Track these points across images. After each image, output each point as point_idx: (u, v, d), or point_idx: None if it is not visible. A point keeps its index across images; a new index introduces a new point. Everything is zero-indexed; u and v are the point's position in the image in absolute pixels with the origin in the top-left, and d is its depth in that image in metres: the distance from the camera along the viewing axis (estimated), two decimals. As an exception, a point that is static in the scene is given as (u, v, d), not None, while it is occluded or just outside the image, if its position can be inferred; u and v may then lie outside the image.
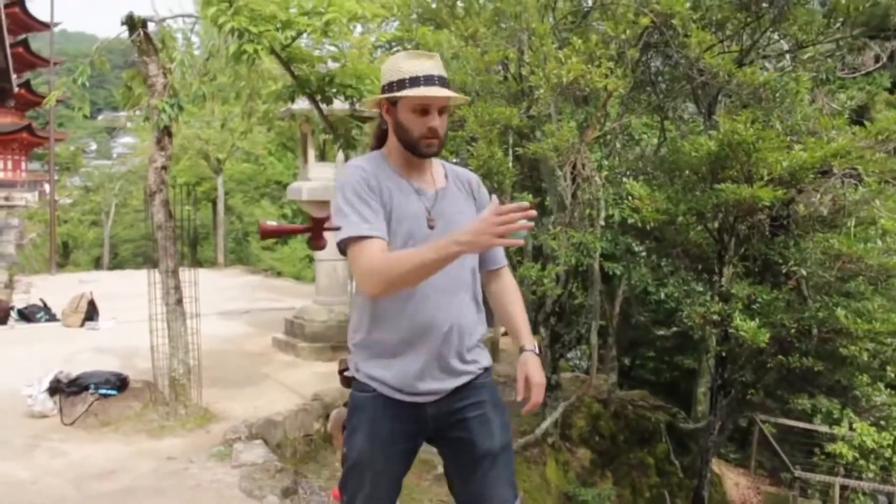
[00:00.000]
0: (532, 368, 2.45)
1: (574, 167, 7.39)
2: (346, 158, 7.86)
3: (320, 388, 7.40)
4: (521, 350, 2.49)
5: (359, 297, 2.45)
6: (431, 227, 2.34)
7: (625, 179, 8.05)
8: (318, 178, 8.87)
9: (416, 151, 2.35)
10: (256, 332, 10.01)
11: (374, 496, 2.42)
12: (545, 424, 8.20)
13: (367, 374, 2.38)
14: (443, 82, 2.34)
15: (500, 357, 10.46)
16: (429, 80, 2.31)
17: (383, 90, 2.37)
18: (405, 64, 2.33)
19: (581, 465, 8.58)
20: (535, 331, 10.98)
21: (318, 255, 9.09)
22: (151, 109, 6.14)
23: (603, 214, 7.73)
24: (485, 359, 2.50)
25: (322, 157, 9.19)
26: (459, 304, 2.39)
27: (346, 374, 2.54)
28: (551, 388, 8.57)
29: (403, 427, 2.37)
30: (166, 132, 6.25)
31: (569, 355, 14.26)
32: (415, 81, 2.31)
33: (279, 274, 18.47)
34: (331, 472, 6.51)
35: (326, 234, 2.44)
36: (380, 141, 2.47)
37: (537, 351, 2.50)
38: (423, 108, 2.32)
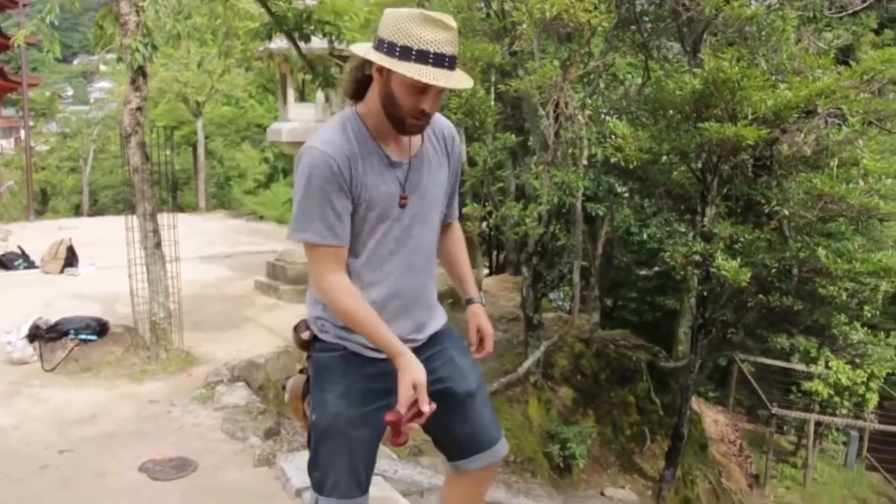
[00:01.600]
0: (483, 319, 2.47)
1: (557, 106, 7.30)
2: (327, 98, 7.74)
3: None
4: (470, 302, 2.48)
5: None
6: (403, 206, 2.21)
7: (608, 118, 7.96)
8: (298, 119, 8.74)
9: (399, 128, 2.12)
10: (238, 276, 9.96)
11: (352, 469, 2.28)
12: (527, 364, 8.25)
13: (337, 334, 2.25)
14: (453, 63, 2.03)
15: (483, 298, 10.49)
16: (439, 60, 1.99)
17: (381, 46, 2.02)
18: (417, 29, 1.98)
19: (563, 404, 8.66)
20: (517, 271, 11.02)
21: (299, 197, 8.99)
22: (124, 49, 5.98)
23: (586, 154, 7.66)
24: (442, 310, 2.47)
25: (302, 97, 9.04)
26: (431, 266, 2.37)
27: (304, 336, 2.38)
28: (533, 327, 8.62)
29: (377, 385, 2.23)
30: (140, 73, 6.11)
31: (551, 296, 14.33)
32: (423, 56, 1.98)
33: (262, 218, 18.32)
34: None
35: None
36: (357, 90, 2.19)
37: (483, 301, 2.49)
38: (422, 88, 2.01)
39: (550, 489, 7.25)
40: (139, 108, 6.19)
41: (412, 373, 2.06)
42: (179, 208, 20.26)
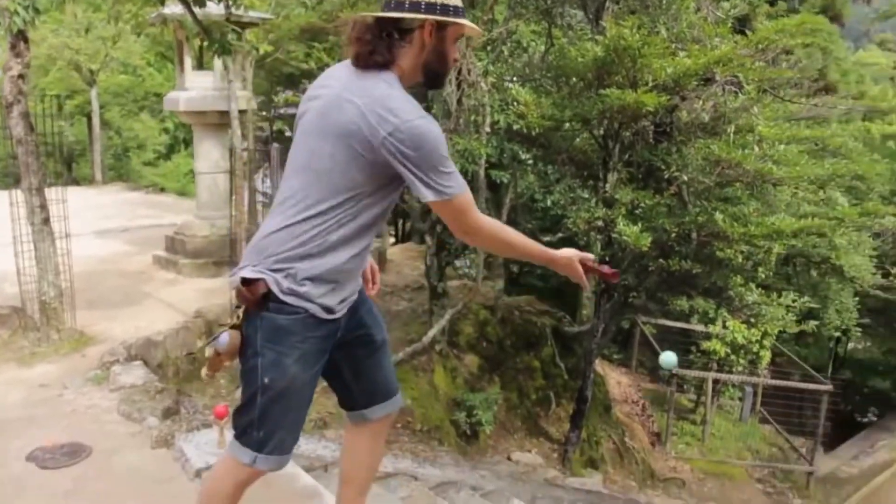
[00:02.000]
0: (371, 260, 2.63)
1: (459, 73, 7.22)
2: (225, 66, 7.47)
3: (203, 304, 7.19)
4: None
5: (315, 221, 2.23)
6: None
7: (511, 86, 7.92)
8: (195, 88, 8.41)
9: (437, 83, 2.34)
10: (136, 251, 9.59)
11: (296, 425, 2.38)
12: (432, 332, 8.22)
13: (308, 294, 2.23)
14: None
15: (388, 267, 10.41)
16: (463, 11, 2.23)
17: (433, 9, 2.16)
18: None
19: (469, 371, 8.68)
20: (421, 240, 10.96)
21: (199, 167, 8.71)
22: (2, 12, 5.61)
23: (489, 121, 7.61)
24: None
25: (200, 65, 8.69)
26: None
27: (262, 291, 2.26)
28: (438, 296, 8.59)
29: (325, 346, 2.34)
30: (21, 37, 5.75)
31: (457, 263, 14.34)
32: (461, 11, 2.21)
33: (162, 190, 17.71)
34: (216, 390, 6.38)
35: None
36: (380, 57, 2.19)
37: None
38: (458, 39, 2.27)
39: (458, 456, 7.27)
40: (21, 76, 5.83)
41: (574, 255, 2.48)
42: (75, 181, 19.47)
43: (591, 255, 2.52)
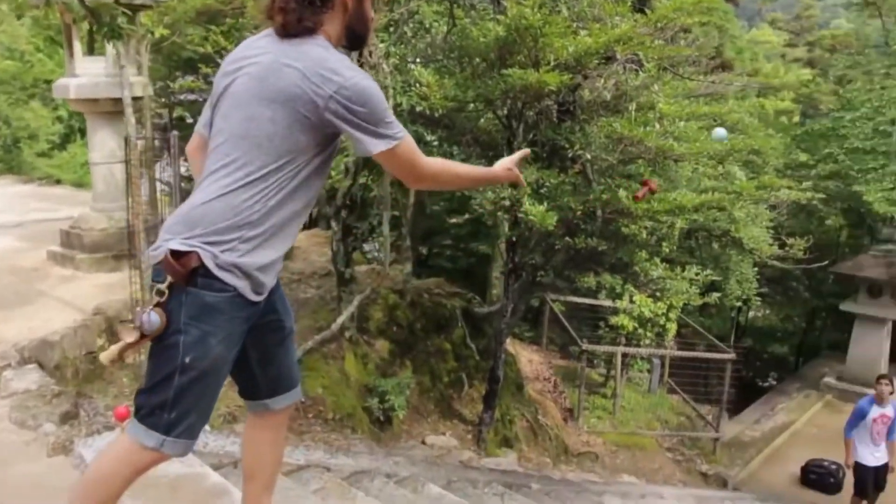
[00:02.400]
0: None
1: (361, 54, 7.07)
2: (117, 51, 7.13)
3: (102, 300, 6.87)
4: None
5: (256, 188, 2.18)
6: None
7: (413, 67, 7.82)
8: (87, 74, 7.99)
9: (361, 43, 2.43)
10: (29, 246, 9.11)
11: (208, 410, 2.31)
12: (341, 319, 8.09)
13: (244, 267, 2.17)
14: None
15: (295, 254, 10.20)
16: None
17: None
18: None
19: (380, 357, 8.59)
20: (327, 225, 10.78)
21: (93, 158, 8.31)
22: None
23: (391, 103, 7.48)
24: None
25: (91, 50, 8.28)
26: None
27: (193, 265, 2.13)
28: (346, 282, 8.45)
29: (245, 329, 2.29)
30: None
31: (366, 247, 14.22)
32: None
33: (58, 182, 16.94)
34: (118, 390, 6.11)
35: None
36: (313, 23, 2.23)
37: None
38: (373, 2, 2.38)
39: (372, 444, 7.18)
40: None
41: (508, 162, 2.61)
42: (-40, 175, 18.48)
43: (523, 152, 2.72)
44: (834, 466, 11.31)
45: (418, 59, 8.38)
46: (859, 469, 9.05)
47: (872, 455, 8.86)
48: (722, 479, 11.30)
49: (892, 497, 9.75)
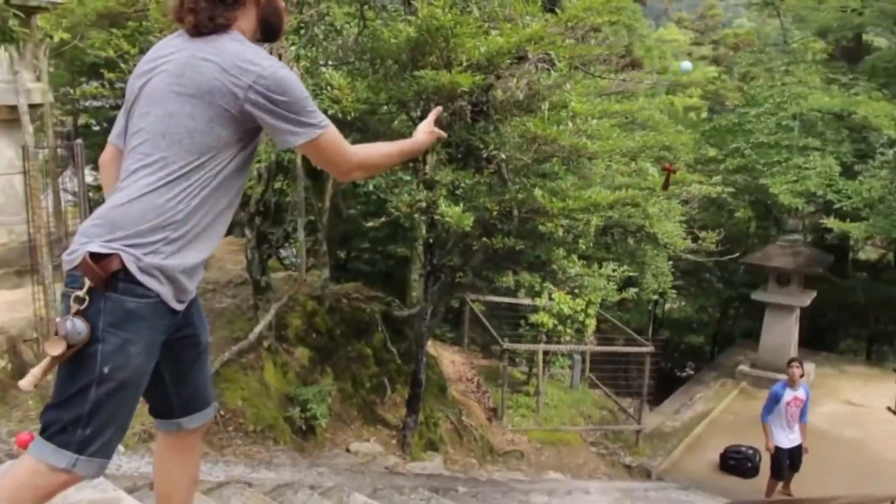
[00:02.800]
0: None
1: (269, 57, 6.92)
2: (10, 57, 6.82)
3: (4, 319, 6.56)
4: None
5: (179, 187, 2.10)
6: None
7: (324, 70, 7.69)
8: (-19, 80, 7.64)
9: (276, 35, 2.43)
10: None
11: (125, 425, 2.17)
12: (259, 328, 7.91)
13: (168, 272, 2.08)
14: None
15: (209, 263, 9.95)
16: None
17: None
18: None
19: (300, 365, 8.44)
20: (241, 232, 10.55)
21: (-10, 167, 7.95)
22: None
23: (303, 107, 7.34)
24: None
25: (-16, 54, 7.89)
26: None
27: (115, 267, 2.00)
28: (262, 290, 8.28)
29: (164, 339, 2.19)
30: None
31: (283, 253, 14.00)
32: None
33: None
34: (23, 414, 5.83)
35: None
36: (226, 20, 2.20)
37: None
38: None
39: (295, 454, 7.04)
40: None
41: (425, 126, 2.65)
42: None
43: (437, 110, 2.83)
44: (751, 451, 11.61)
45: (329, 62, 8.25)
46: (776, 452, 9.40)
47: (787, 437, 9.27)
48: (645, 470, 11.47)
49: (805, 476, 10.18)
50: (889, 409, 14.40)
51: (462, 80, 6.76)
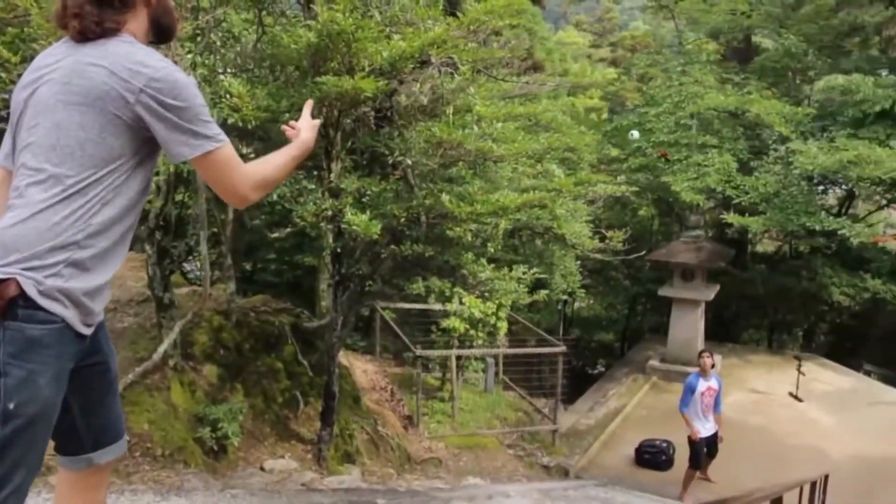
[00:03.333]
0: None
1: (164, 65, 6.65)
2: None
3: None
4: None
5: (75, 203, 1.94)
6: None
7: (223, 77, 7.46)
8: None
9: (169, 36, 2.33)
10: None
11: (38, 463, 2.00)
12: (163, 347, 7.60)
13: (69, 293, 1.92)
14: None
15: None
16: None
17: None
18: None
19: (208, 383, 8.15)
20: (141, 248, 10.18)
21: None
22: None
23: (202, 117, 7.10)
24: None
25: None
26: None
27: (11, 293, 1.81)
28: (165, 307, 7.96)
29: (71, 367, 2.04)
30: None
31: (188, 268, 13.60)
32: None
33: None
34: None
35: None
36: (114, 24, 2.07)
37: None
38: None
39: (207, 476, 6.77)
40: None
41: (304, 125, 2.51)
42: None
43: (309, 104, 2.74)
44: (664, 445, 11.85)
45: (228, 70, 8.01)
46: (693, 441, 9.82)
47: (703, 427, 9.76)
48: (563, 469, 11.55)
49: (716, 463, 10.60)
50: (791, 394, 14.92)
51: (365, 86, 6.65)
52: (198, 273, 16.25)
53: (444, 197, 7.66)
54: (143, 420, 7.01)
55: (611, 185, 10.46)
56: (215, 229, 9.63)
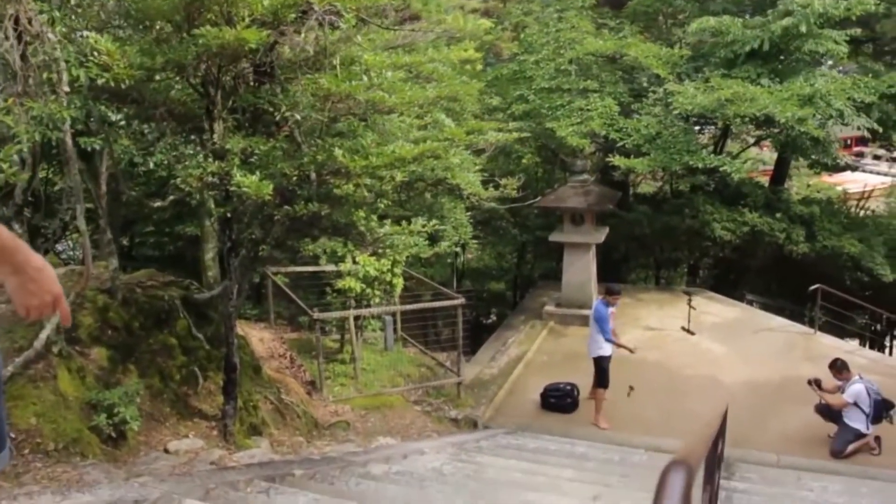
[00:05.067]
0: None
1: (17, 22, 6.02)
2: None
3: None
4: None
5: None
6: None
7: (87, 34, 6.84)
8: None
9: None
10: None
11: None
12: (45, 333, 7.03)
13: None
14: None
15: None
16: None
17: None
18: None
19: (99, 367, 7.63)
20: (8, 227, 9.42)
21: None
22: None
23: (66, 78, 6.50)
24: None
25: None
26: None
27: None
28: (45, 291, 7.36)
29: None
30: None
31: (59, 247, 12.81)
32: None
33: None
34: None
35: None
36: None
37: None
38: None
39: (108, 467, 6.31)
40: None
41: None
42: None
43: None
44: (569, 387, 12.00)
45: (90, 26, 7.36)
46: (602, 361, 11.16)
47: (611, 346, 11.15)
48: (472, 421, 11.52)
49: (618, 400, 11.24)
50: (683, 328, 15.35)
51: (249, 36, 6.22)
52: (70, 253, 15.36)
53: (338, 151, 7.34)
54: (29, 414, 6.48)
55: (503, 132, 10.33)
56: (91, 204, 8.99)
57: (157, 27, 7.17)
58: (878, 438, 10.57)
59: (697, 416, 11.15)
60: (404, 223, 9.45)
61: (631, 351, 11.40)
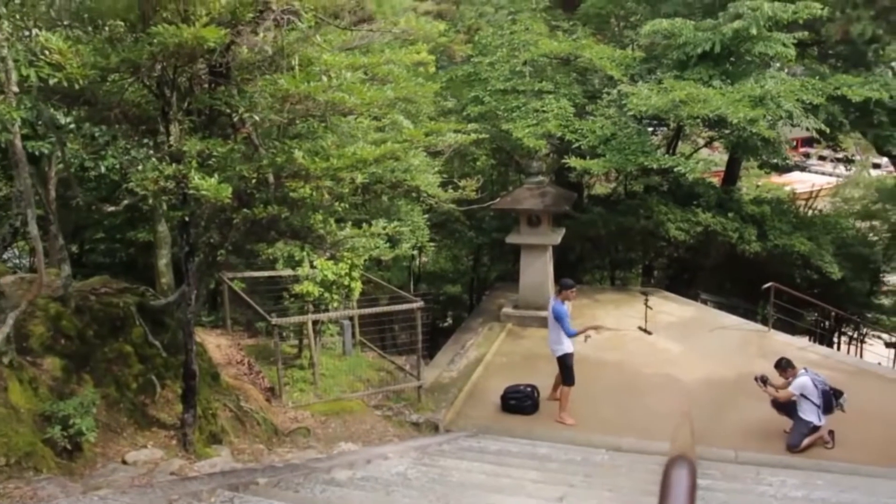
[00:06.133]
0: None
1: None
2: None
3: None
4: None
5: None
6: None
7: (37, 32, 6.62)
8: None
9: None
10: None
11: None
12: (-5, 343, 6.80)
13: None
14: None
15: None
16: None
17: None
18: None
19: (52, 377, 7.40)
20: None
21: None
22: None
23: (15, 77, 6.29)
24: None
25: None
26: None
27: None
28: (-6, 298, 7.14)
29: None
30: None
31: (6, 255, 12.46)
32: None
33: None
34: None
35: None
36: None
37: None
38: None
39: (64, 480, 6.10)
40: None
41: None
42: None
43: None
44: (529, 389, 12.00)
45: (39, 24, 7.12)
46: (567, 359, 11.35)
47: (573, 343, 11.43)
48: (433, 425, 11.44)
49: (580, 399, 11.46)
50: (640, 328, 15.46)
51: (208, 35, 6.07)
52: (17, 261, 14.97)
53: (298, 153, 7.21)
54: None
55: (461, 133, 10.28)
56: (40, 210, 8.73)
57: (110, 26, 6.97)
58: (831, 432, 10.77)
59: (657, 414, 11.24)
60: (364, 225, 9.34)
61: (596, 329, 11.99)
